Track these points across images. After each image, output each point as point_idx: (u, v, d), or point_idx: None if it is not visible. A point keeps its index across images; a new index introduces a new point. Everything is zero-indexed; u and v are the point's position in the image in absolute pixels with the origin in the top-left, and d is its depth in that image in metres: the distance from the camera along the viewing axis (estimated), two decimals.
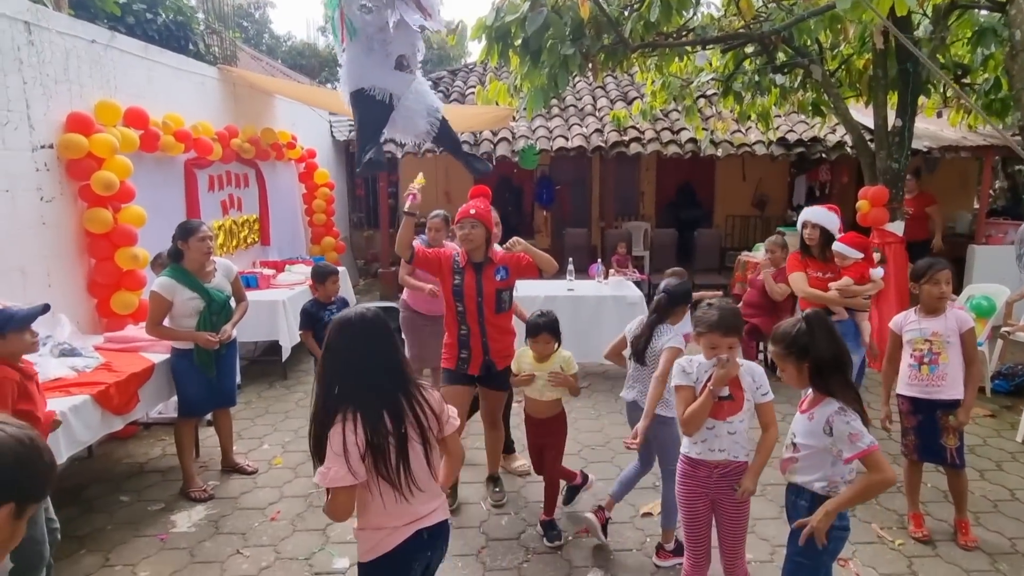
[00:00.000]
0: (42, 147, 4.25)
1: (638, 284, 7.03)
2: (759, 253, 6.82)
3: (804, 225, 4.38)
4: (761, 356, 5.86)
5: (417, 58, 3.14)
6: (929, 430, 3.35)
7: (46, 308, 2.65)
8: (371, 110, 3.07)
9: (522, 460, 4.32)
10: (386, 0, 2.86)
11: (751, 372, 2.54)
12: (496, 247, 3.60)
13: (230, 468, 4.23)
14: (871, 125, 6.30)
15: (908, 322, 3.41)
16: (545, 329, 3.29)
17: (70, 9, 5.30)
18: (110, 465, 4.38)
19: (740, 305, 5.44)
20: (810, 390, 2.35)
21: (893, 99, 6.15)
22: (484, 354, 3.54)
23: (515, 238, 3.52)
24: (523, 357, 3.44)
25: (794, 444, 2.33)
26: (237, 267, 4.26)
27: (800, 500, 2.35)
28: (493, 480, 3.98)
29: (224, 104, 6.79)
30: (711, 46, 6.61)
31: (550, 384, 3.35)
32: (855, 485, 2.24)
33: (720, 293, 6.92)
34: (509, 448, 4.37)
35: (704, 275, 8.94)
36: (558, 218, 11.46)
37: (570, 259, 6.66)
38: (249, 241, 7.25)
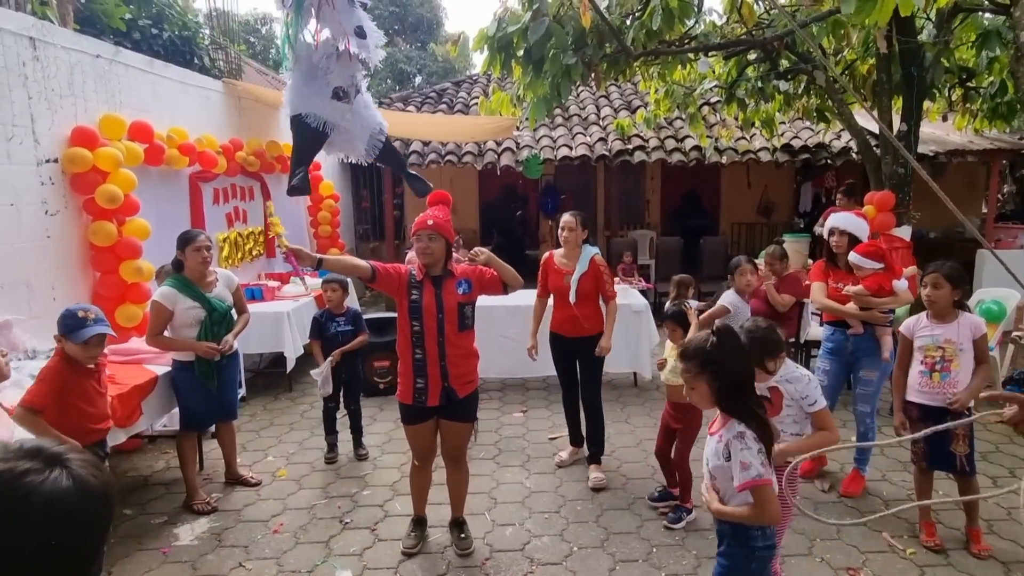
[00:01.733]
0: (47, 161, 4.28)
1: (644, 293, 6.99)
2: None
3: (831, 232, 4.10)
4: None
5: (359, 87, 3.25)
6: (939, 437, 3.28)
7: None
8: (305, 136, 3.18)
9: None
10: (333, 32, 2.96)
11: (795, 380, 2.62)
12: (457, 259, 3.32)
13: (234, 480, 4.22)
14: (875, 130, 6.27)
15: (920, 327, 3.35)
16: (669, 318, 3.77)
17: (75, 24, 5.36)
18: (114, 478, 4.36)
19: None
20: (718, 411, 2.19)
21: (898, 104, 6.12)
22: (443, 380, 3.16)
23: (477, 248, 3.30)
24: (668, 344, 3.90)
25: (709, 471, 2.19)
26: (242, 279, 4.27)
27: (723, 523, 2.20)
28: (458, 525, 3.53)
29: (229, 117, 6.84)
30: (714, 53, 6.60)
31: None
32: (739, 509, 2.09)
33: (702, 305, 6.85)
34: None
35: (710, 283, 8.86)
36: None
37: None
38: (254, 254, 7.28)
